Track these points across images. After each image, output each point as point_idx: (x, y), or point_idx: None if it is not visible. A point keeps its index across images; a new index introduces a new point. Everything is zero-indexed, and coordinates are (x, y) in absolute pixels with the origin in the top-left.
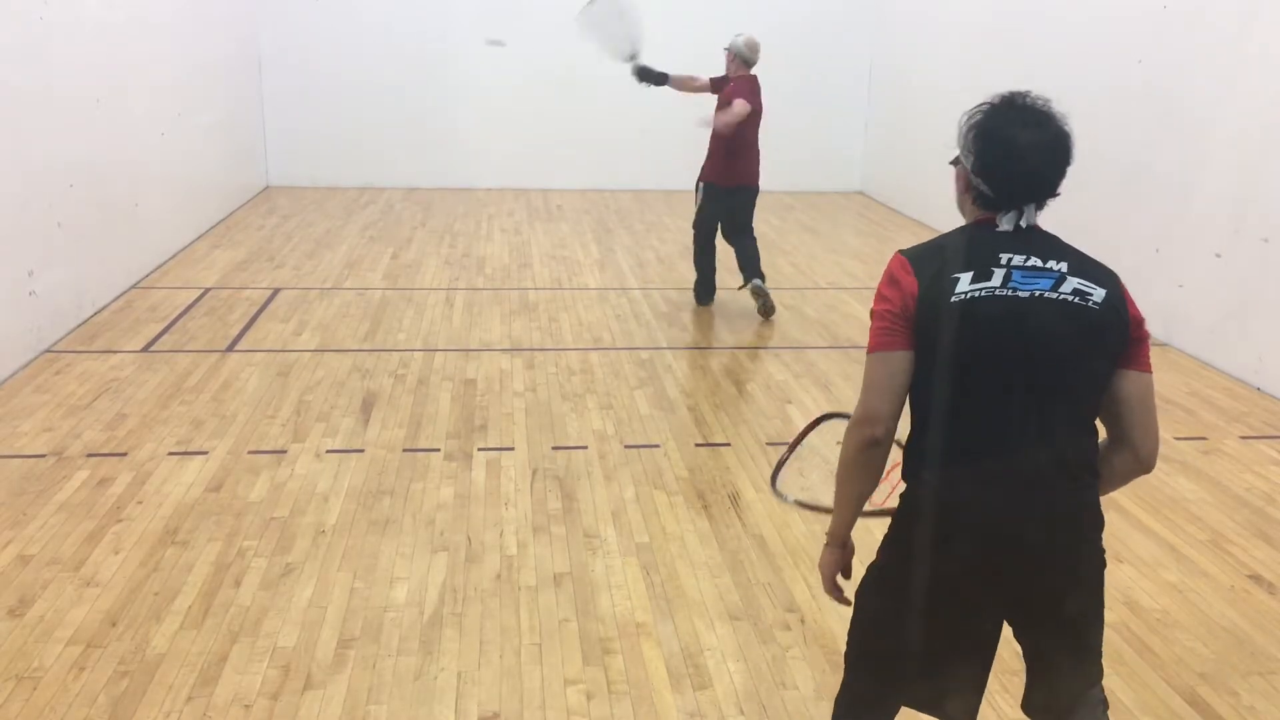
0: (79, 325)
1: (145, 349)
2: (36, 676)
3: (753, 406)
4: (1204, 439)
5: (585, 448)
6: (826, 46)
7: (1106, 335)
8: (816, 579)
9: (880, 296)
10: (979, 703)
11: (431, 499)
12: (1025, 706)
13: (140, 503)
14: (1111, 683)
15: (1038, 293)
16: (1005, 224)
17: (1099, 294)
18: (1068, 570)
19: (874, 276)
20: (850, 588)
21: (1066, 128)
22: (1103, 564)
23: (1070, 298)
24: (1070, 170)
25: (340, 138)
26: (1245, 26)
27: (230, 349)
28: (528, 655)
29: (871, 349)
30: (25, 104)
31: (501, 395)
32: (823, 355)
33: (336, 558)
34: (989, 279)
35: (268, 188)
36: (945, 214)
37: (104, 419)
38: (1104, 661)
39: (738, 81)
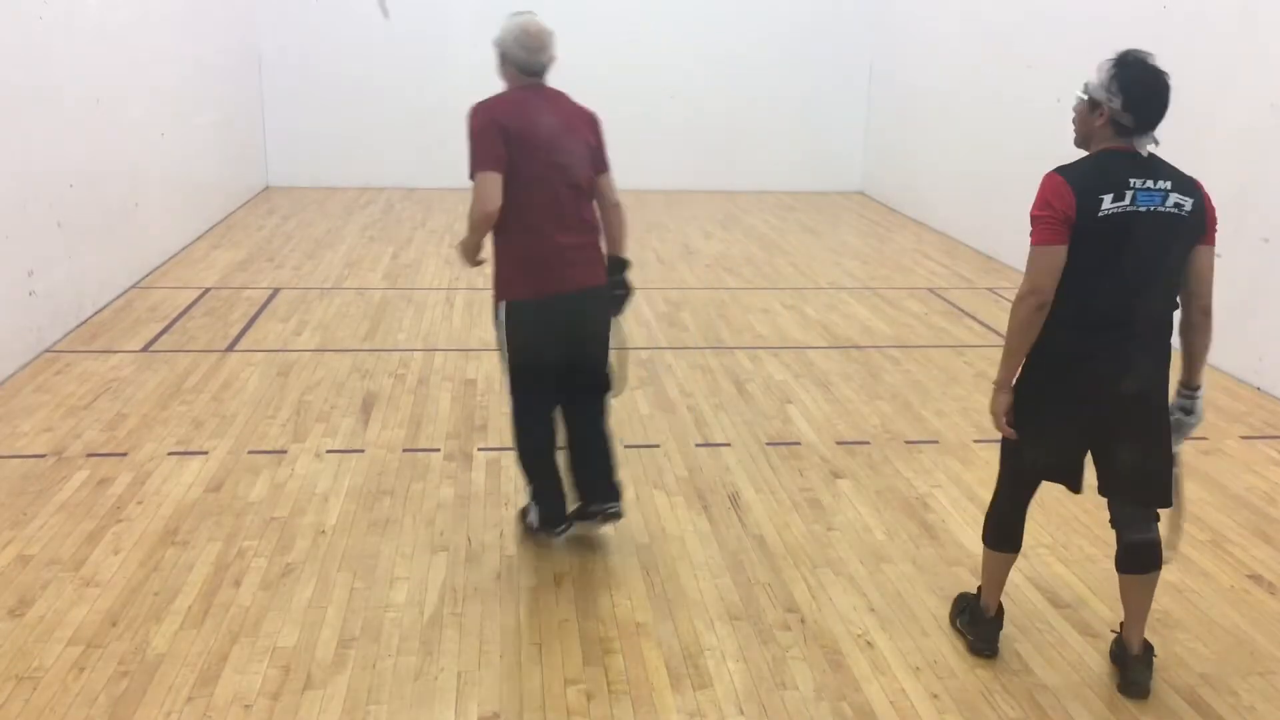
0: (79, 325)
1: (145, 349)
2: (36, 676)
3: (753, 406)
4: (1204, 439)
5: None
6: (826, 47)
7: (1193, 231)
8: (816, 579)
9: (1044, 205)
10: (1081, 474)
11: (431, 499)
12: (1101, 489)
13: (140, 503)
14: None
15: (1152, 208)
16: (1141, 149)
17: (1188, 203)
18: (1147, 397)
19: (874, 276)
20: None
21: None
22: (1166, 397)
23: (1172, 209)
24: None
25: (340, 138)
26: (1245, 26)
27: (230, 349)
28: (528, 655)
29: (1036, 243)
30: (25, 104)
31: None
32: (823, 355)
33: (336, 558)
34: (1123, 200)
35: (268, 188)
36: (946, 213)
37: (104, 419)
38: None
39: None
